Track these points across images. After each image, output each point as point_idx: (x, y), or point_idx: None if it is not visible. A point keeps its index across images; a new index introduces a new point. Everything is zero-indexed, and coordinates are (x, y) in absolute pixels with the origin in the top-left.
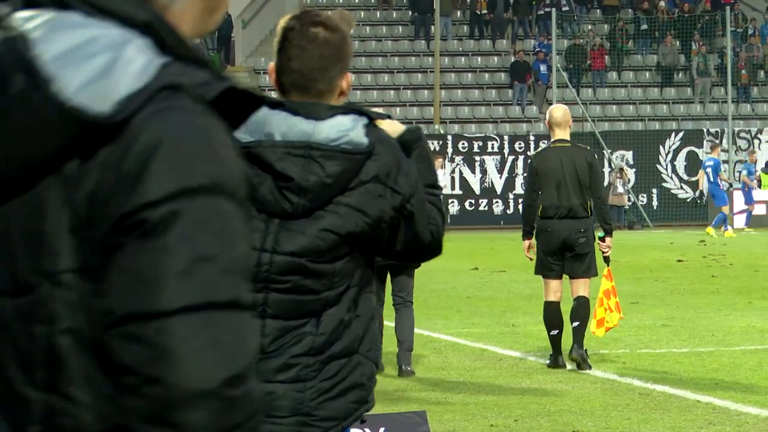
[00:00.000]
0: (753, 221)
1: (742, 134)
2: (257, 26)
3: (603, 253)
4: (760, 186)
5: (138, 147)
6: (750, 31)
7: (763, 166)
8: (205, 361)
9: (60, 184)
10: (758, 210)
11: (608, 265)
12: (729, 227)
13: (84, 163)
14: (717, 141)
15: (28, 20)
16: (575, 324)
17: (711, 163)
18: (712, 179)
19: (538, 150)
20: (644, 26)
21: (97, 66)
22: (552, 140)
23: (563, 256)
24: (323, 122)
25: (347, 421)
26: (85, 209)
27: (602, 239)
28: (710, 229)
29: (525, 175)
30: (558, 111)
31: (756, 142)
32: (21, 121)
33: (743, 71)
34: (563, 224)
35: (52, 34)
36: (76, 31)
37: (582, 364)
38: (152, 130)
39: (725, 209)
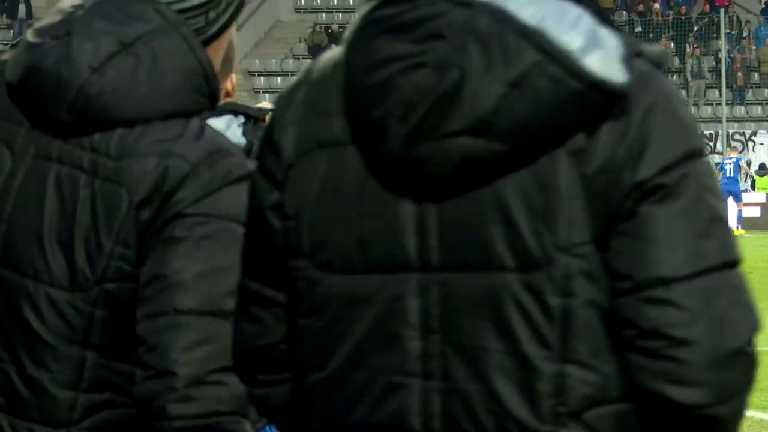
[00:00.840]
0: (745, 223)
1: (737, 136)
2: (251, 29)
3: None
4: (753, 188)
5: (638, 115)
6: (744, 34)
7: (757, 168)
8: (736, 317)
9: (567, 158)
10: (752, 212)
11: None
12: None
13: (590, 134)
14: (737, 145)
15: None
16: None
17: (733, 160)
18: (732, 174)
19: None
20: (639, 28)
21: (586, 35)
22: None
23: None
24: None
25: None
26: (596, 181)
27: None
28: (741, 231)
29: None
30: None
31: (750, 144)
32: (537, 95)
33: (738, 73)
34: None
35: (520, 2)
36: (534, 0)
37: None
38: (645, 97)
39: (740, 205)
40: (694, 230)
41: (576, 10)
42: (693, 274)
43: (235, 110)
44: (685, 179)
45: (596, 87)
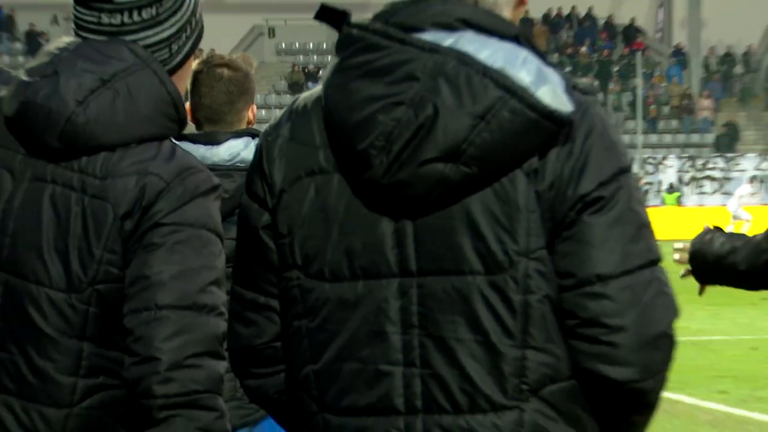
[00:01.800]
0: None
1: (650, 160)
2: None
3: None
4: (663, 204)
5: (579, 138)
6: (657, 72)
7: (668, 187)
8: (660, 306)
9: (524, 177)
10: None
11: None
12: None
13: (542, 156)
14: (649, 168)
15: (443, 40)
16: None
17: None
18: None
19: None
20: (568, 68)
21: (535, 73)
22: None
23: None
24: (219, 146)
25: None
26: (547, 196)
27: None
28: None
29: None
30: None
31: (661, 167)
32: (500, 125)
33: (652, 106)
34: None
35: (476, 46)
36: (487, 45)
37: None
38: (584, 123)
39: None
40: (625, 235)
41: (523, 52)
42: (625, 272)
43: (253, 133)
44: (618, 191)
45: (550, 116)
